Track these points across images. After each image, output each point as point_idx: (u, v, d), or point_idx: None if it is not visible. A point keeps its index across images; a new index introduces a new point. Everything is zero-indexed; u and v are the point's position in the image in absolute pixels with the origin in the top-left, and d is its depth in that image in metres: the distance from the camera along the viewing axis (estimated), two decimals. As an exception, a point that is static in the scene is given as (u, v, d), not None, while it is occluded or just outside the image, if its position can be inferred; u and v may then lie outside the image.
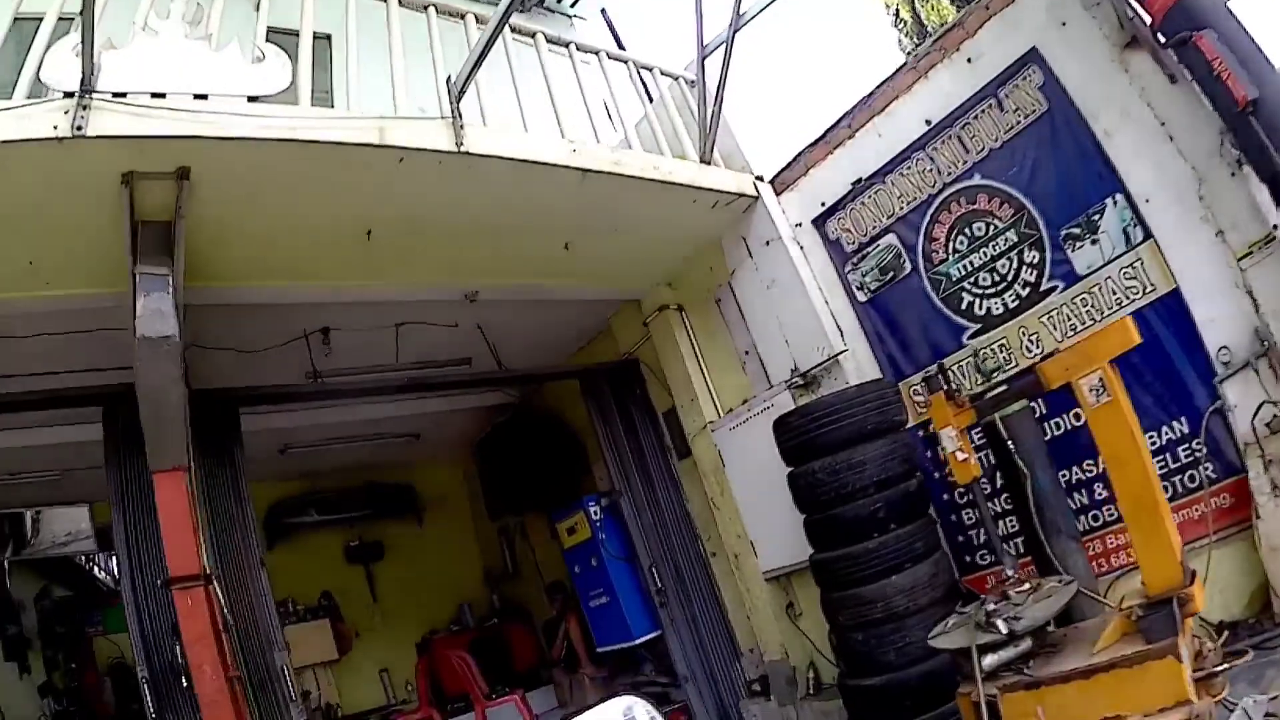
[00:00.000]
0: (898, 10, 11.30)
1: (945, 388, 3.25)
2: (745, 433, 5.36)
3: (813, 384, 5.03)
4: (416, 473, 8.87)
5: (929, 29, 8.31)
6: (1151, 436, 3.80)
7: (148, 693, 3.97)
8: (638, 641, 6.03)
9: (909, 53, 7.54)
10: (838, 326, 4.97)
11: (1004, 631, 2.91)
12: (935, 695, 3.61)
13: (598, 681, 6.66)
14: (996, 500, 4.31)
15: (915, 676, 3.86)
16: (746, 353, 5.47)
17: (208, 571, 3.78)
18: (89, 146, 3.06)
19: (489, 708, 6.47)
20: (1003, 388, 3.55)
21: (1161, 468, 3.76)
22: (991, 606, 3.15)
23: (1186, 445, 3.76)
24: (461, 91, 3.79)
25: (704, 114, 4.96)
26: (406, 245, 4.40)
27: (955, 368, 4.51)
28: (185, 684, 3.67)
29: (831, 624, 4.24)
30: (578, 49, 4.87)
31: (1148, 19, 3.73)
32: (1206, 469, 3.67)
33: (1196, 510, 3.70)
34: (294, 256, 4.29)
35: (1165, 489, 3.71)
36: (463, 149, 3.74)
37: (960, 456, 3.12)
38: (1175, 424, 3.81)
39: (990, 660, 2.93)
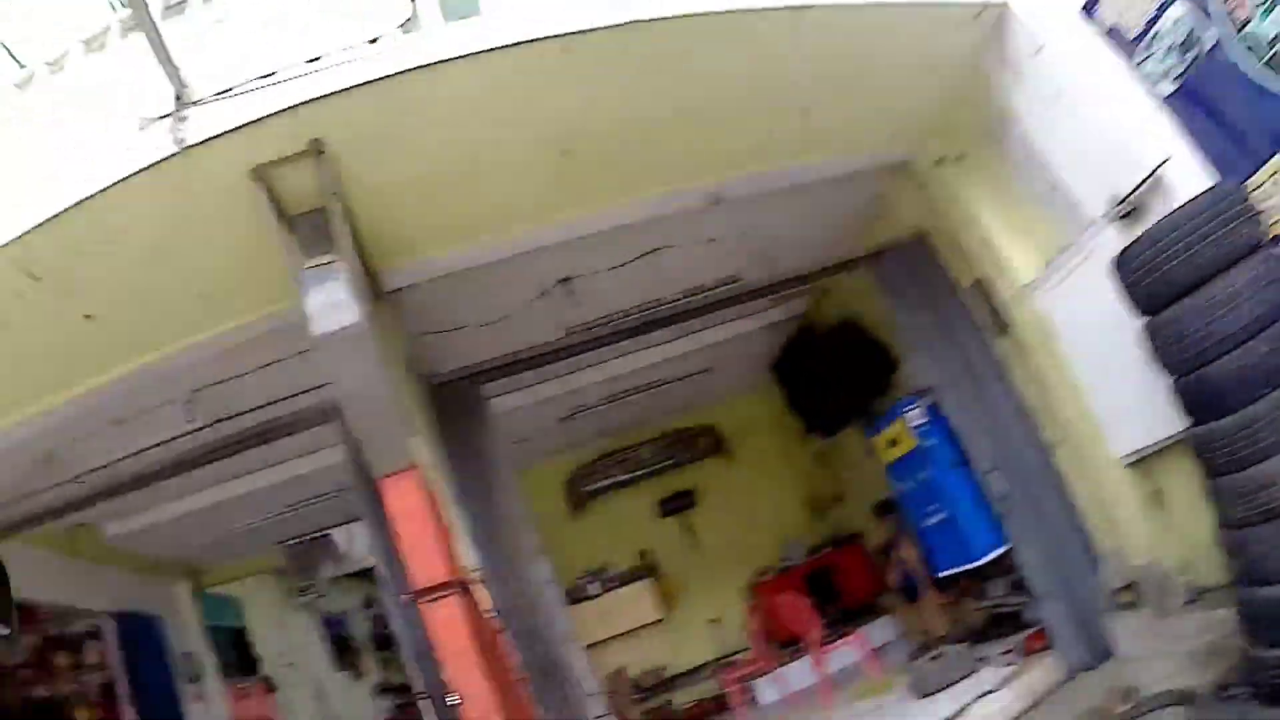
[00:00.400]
0: None
1: None
2: (1071, 287, 4.67)
3: (1136, 212, 4.15)
4: (717, 410, 8.95)
5: None
6: None
7: (432, 710, 3.95)
8: (982, 561, 5.64)
9: None
10: (1148, 133, 4.05)
11: None
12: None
13: (944, 609, 5.97)
14: None
15: None
16: (1052, 189, 4.69)
17: (462, 578, 3.71)
18: (202, 155, 3.09)
19: (826, 653, 6.34)
20: None
21: None
22: None
23: None
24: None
25: None
26: (614, 155, 4.22)
27: None
28: (452, 699, 3.48)
29: (1222, 518, 3.57)
30: None
31: None
32: None
33: None
34: (482, 204, 4.18)
35: None
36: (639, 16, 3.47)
37: None
38: None
39: None
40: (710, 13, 3.65)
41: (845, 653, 6.46)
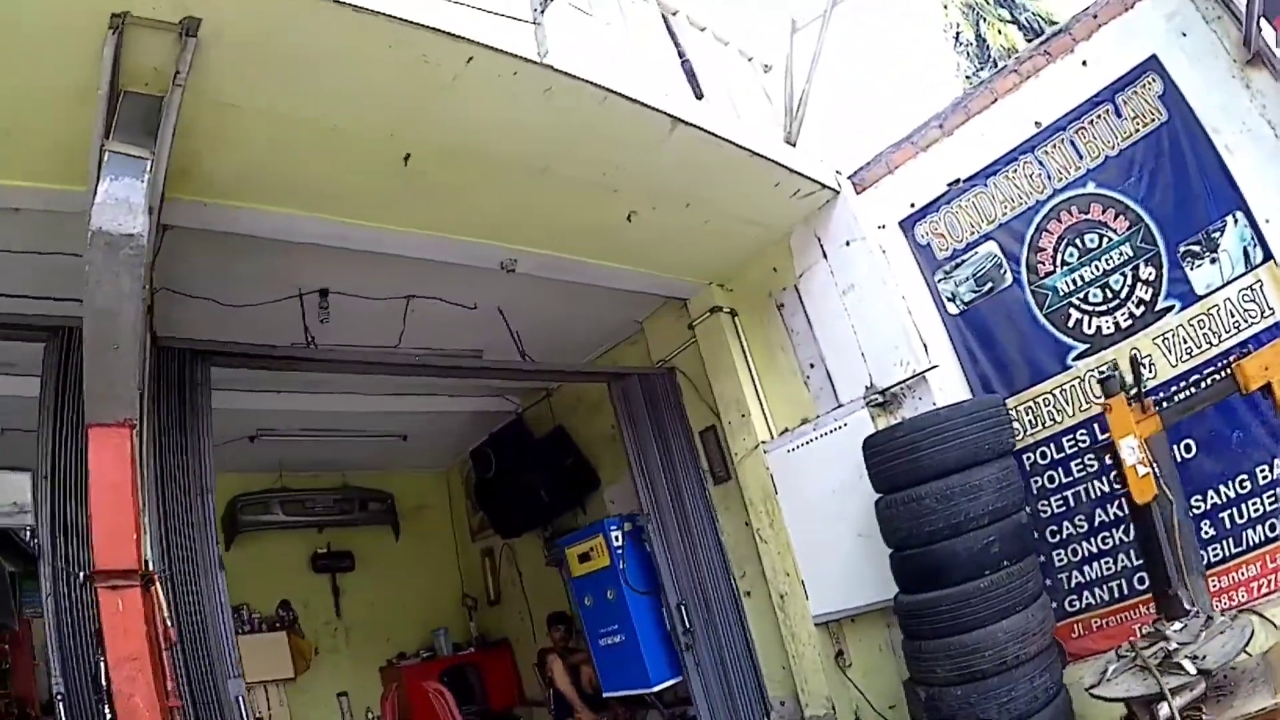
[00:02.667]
0: (958, 33, 11.22)
1: (1136, 388, 2.83)
2: (807, 456, 5.24)
3: (892, 404, 4.93)
4: (397, 479, 8.59)
5: (992, 53, 8.22)
6: (1265, 469, 3.85)
7: (62, 715, 3.22)
8: (655, 689, 5.77)
9: (969, 76, 7.34)
10: (923, 341, 4.86)
11: (1193, 671, 2.50)
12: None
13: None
14: (1096, 539, 4.31)
15: None
16: (812, 365, 5.37)
17: (149, 569, 3.12)
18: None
19: None
20: (1191, 390, 3.13)
21: (1273, 503, 3.82)
22: (1168, 646, 2.72)
23: None
24: (550, -4, 3.51)
25: (789, 89, 4.95)
26: (448, 183, 4.03)
27: (1058, 391, 4.40)
28: (109, 714, 2.82)
29: (921, 679, 4.05)
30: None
31: (1274, 36, 3.85)
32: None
33: None
34: (310, 175, 3.77)
35: (1274, 526, 3.87)
36: (545, 59, 3.38)
37: (1141, 471, 2.74)
38: None
39: (1164, 713, 2.54)
40: (599, 85, 3.61)
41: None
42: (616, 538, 5.99)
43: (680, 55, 4.49)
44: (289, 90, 3.18)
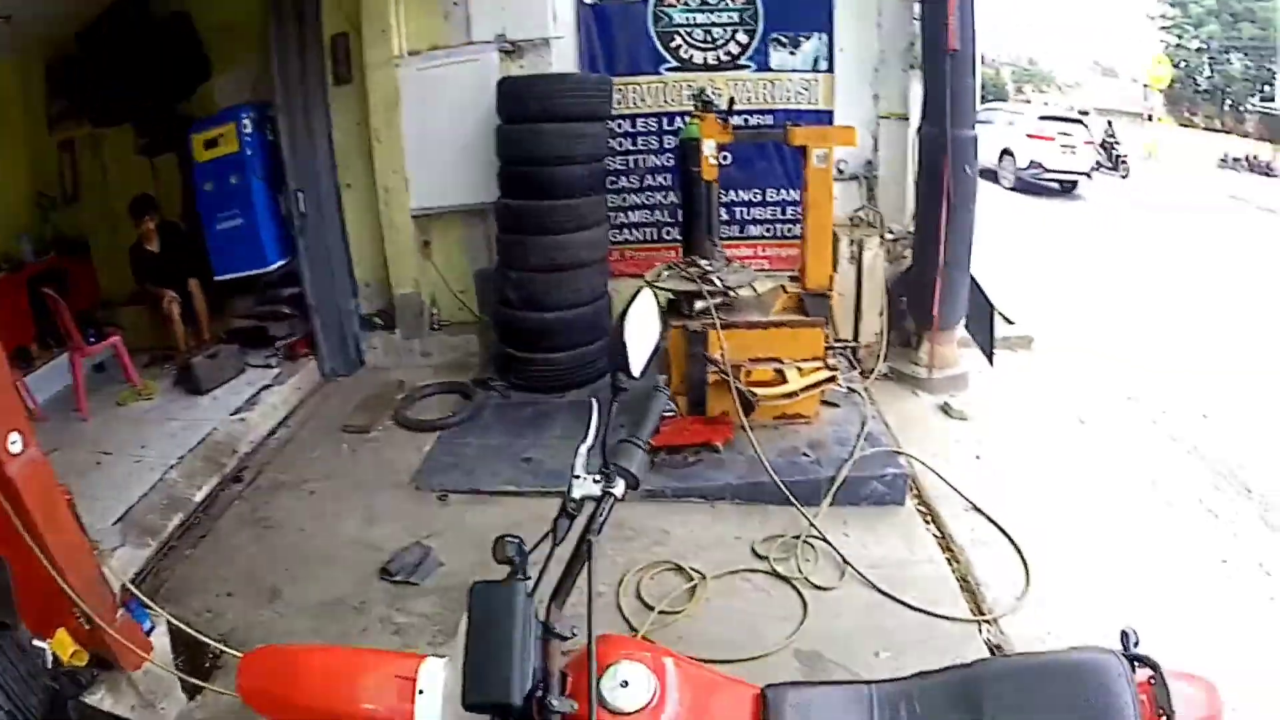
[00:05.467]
0: None
1: (725, 114, 4.97)
2: (437, 77, 6.18)
3: (517, 54, 6.11)
4: None
5: None
6: (772, 191, 6.27)
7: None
8: (271, 268, 6.52)
9: None
10: (554, 13, 6.04)
11: (721, 287, 4.45)
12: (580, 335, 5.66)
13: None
14: (641, 195, 6.37)
15: (572, 318, 5.62)
16: (455, 4, 6.17)
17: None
18: None
19: (89, 354, 6.06)
20: (762, 129, 5.63)
21: (772, 215, 6.31)
22: (701, 268, 4.78)
23: (793, 208, 6.07)
24: None
25: None
26: None
27: (647, 88, 6.15)
28: None
29: (515, 265, 5.66)
30: None
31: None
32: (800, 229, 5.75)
33: (785, 252, 6.22)
34: None
35: (769, 229, 6.37)
36: None
37: (712, 162, 4.92)
38: (790, 192, 6.15)
39: (700, 305, 4.65)
40: None
41: (102, 356, 6.22)
42: (247, 125, 6.34)
43: None
44: None
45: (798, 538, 3.98)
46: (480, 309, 6.41)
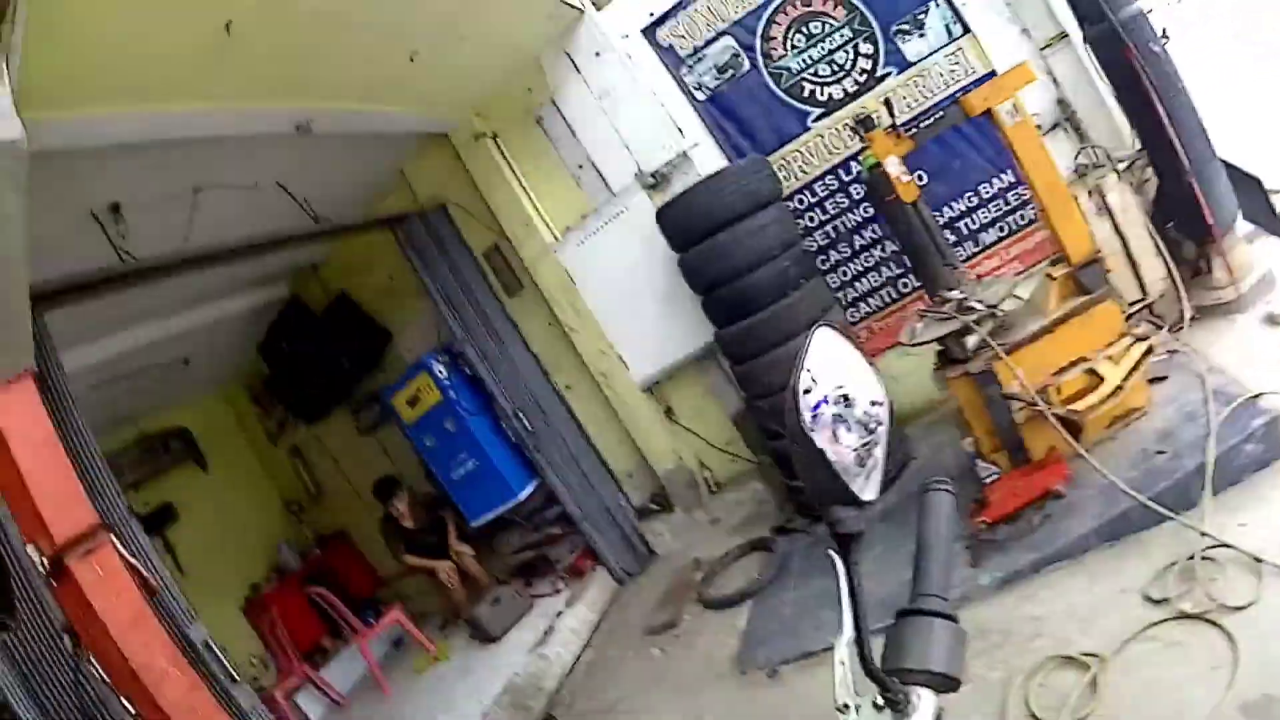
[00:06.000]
0: None
1: (891, 123, 4.13)
2: (598, 244, 5.94)
3: (663, 183, 5.74)
4: (187, 412, 8.10)
5: None
6: (985, 186, 5.29)
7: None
8: (522, 496, 6.35)
9: None
10: (678, 127, 5.66)
11: (984, 308, 3.62)
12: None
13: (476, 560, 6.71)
14: (860, 259, 5.64)
15: None
16: (580, 167, 5.99)
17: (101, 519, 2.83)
18: None
19: (371, 637, 6.24)
20: (937, 118, 4.28)
21: (997, 210, 5.32)
22: (953, 300, 4.02)
23: (1015, 190, 5.21)
24: None
25: None
26: (258, 46, 3.80)
27: (804, 148, 5.53)
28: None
29: (758, 393, 5.05)
30: None
31: None
32: (1033, 207, 4.99)
33: (1031, 241, 5.27)
34: (127, 61, 3.40)
35: (1002, 227, 5.35)
36: None
37: (905, 179, 3.90)
38: (1004, 175, 5.23)
39: (972, 341, 3.64)
40: None
41: (387, 631, 6.39)
42: (440, 370, 6.35)
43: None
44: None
45: (1192, 557, 3.08)
46: (753, 451, 5.81)
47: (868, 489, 1.03)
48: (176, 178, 4.56)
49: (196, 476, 8.04)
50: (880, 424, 1.08)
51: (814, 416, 1.01)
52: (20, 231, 2.56)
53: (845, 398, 1.05)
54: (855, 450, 1.04)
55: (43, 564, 2.58)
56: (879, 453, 1.07)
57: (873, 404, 1.08)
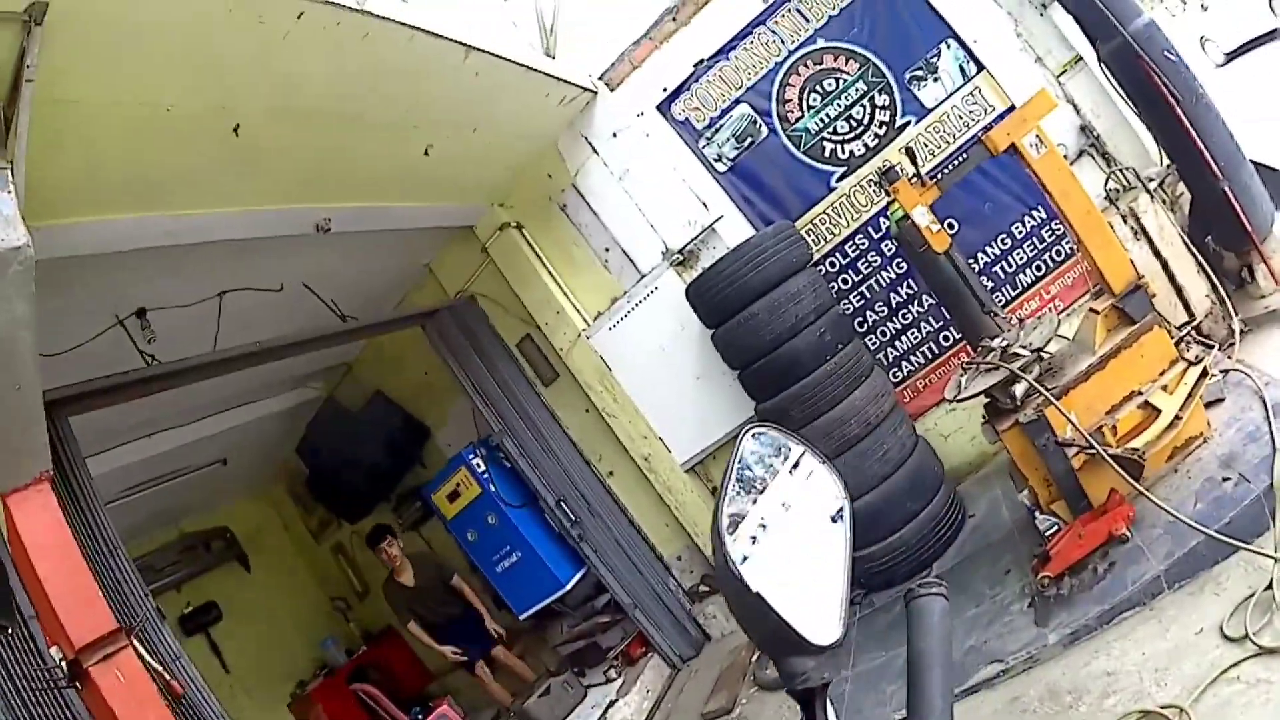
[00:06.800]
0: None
1: (915, 171, 3.93)
2: (630, 327, 5.86)
3: (691, 259, 5.70)
4: (228, 512, 8.18)
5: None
6: (1018, 225, 5.19)
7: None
8: (569, 586, 6.24)
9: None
10: (701, 201, 5.63)
11: (1029, 353, 3.42)
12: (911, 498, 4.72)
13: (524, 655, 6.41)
14: (897, 317, 5.49)
15: (892, 487, 4.70)
16: (607, 250, 5.98)
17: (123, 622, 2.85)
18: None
19: None
20: (960, 161, 4.16)
21: (1033, 249, 5.19)
22: (996, 349, 3.89)
23: (1048, 225, 5.12)
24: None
25: (538, 8, 5.39)
26: (271, 148, 3.92)
27: (830, 210, 5.46)
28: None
29: None
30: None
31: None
32: (1069, 240, 4.96)
33: (1070, 276, 5.14)
34: (142, 168, 3.50)
35: (1039, 266, 5.21)
36: (364, 5, 3.50)
37: (935, 229, 3.72)
38: (1036, 211, 5.15)
39: (1020, 388, 3.42)
40: (408, 25, 3.77)
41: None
42: (478, 464, 6.30)
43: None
44: (131, 74, 2.95)
45: (1269, 587, 2.85)
46: (804, 525, 5.52)
47: (826, 629, 0.82)
48: (201, 281, 4.63)
49: (240, 575, 8.06)
50: (842, 540, 0.87)
51: (752, 542, 0.82)
52: (31, 338, 2.58)
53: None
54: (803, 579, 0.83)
55: (62, 667, 2.57)
56: (840, 577, 0.87)
57: (832, 519, 0.90)
